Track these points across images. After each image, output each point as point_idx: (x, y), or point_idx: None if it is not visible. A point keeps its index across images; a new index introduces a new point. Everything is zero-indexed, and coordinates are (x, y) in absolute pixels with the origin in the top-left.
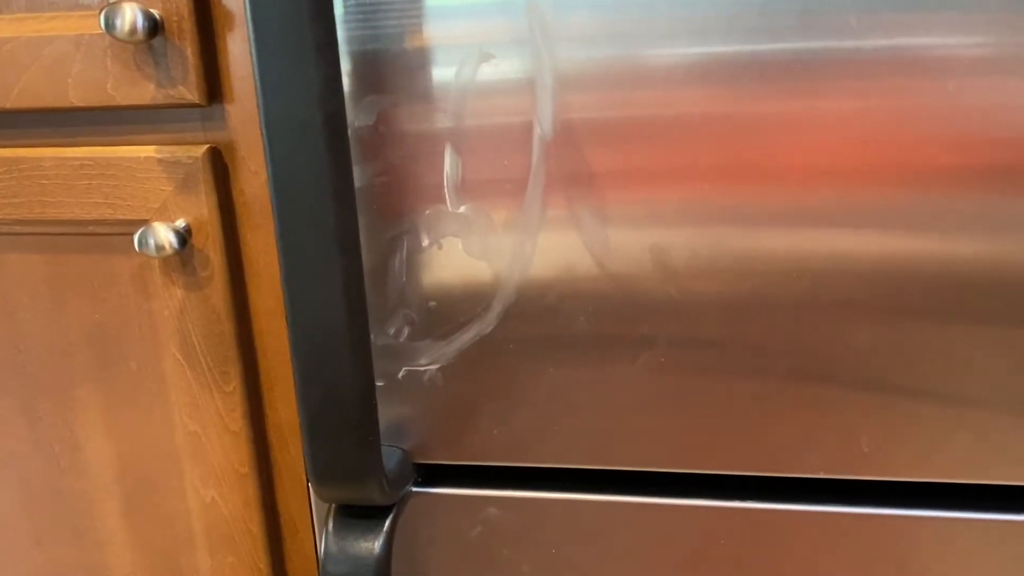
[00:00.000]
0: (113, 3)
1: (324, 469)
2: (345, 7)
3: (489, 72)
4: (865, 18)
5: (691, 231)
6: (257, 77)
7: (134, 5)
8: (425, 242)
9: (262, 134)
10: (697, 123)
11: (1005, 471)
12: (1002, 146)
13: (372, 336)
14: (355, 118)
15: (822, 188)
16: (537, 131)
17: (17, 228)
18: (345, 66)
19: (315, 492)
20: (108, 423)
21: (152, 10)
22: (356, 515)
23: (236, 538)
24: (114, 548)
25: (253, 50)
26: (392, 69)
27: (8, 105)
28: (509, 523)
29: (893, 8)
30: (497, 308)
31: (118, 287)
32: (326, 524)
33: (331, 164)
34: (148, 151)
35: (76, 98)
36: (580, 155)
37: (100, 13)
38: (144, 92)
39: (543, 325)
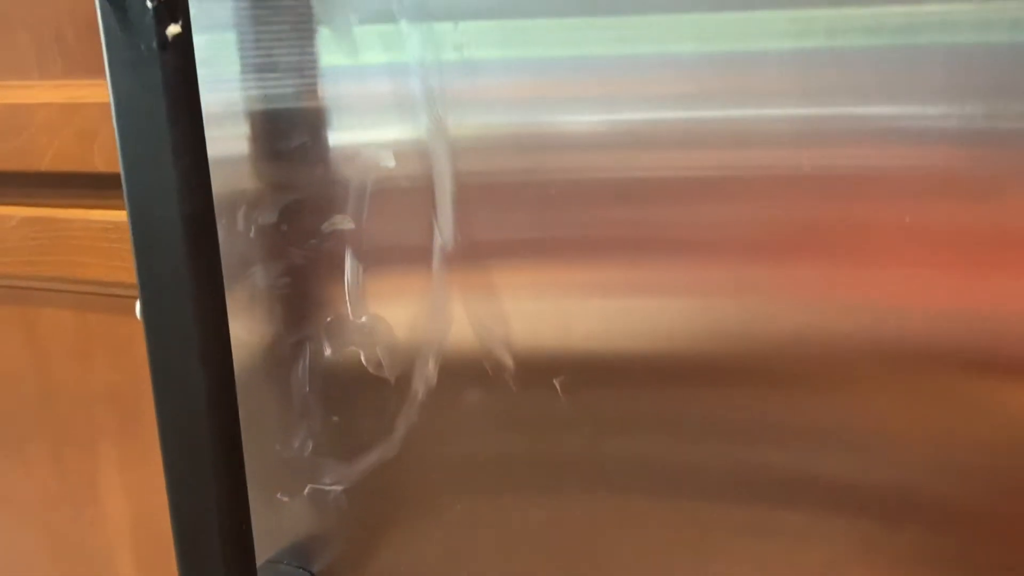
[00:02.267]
0: None
1: None
2: (246, 99)
3: (390, 178)
4: (799, 82)
5: (602, 368)
6: (122, 172)
7: None
8: (327, 351)
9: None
10: (610, 241)
11: None
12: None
13: (277, 447)
14: (258, 215)
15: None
16: (437, 240)
17: (51, 285)
18: (249, 161)
19: None
20: (125, 480)
21: None
22: None
23: None
24: None
25: (119, 144)
26: (295, 167)
27: (43, 167)
28: None
29: (818, 73)
30: (400, 430)
31: (137, 348)
32: None
33: (191, 266)
34: None
35: (100, 163)
36: (483, 269)
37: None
38: None
39: (448, 453)
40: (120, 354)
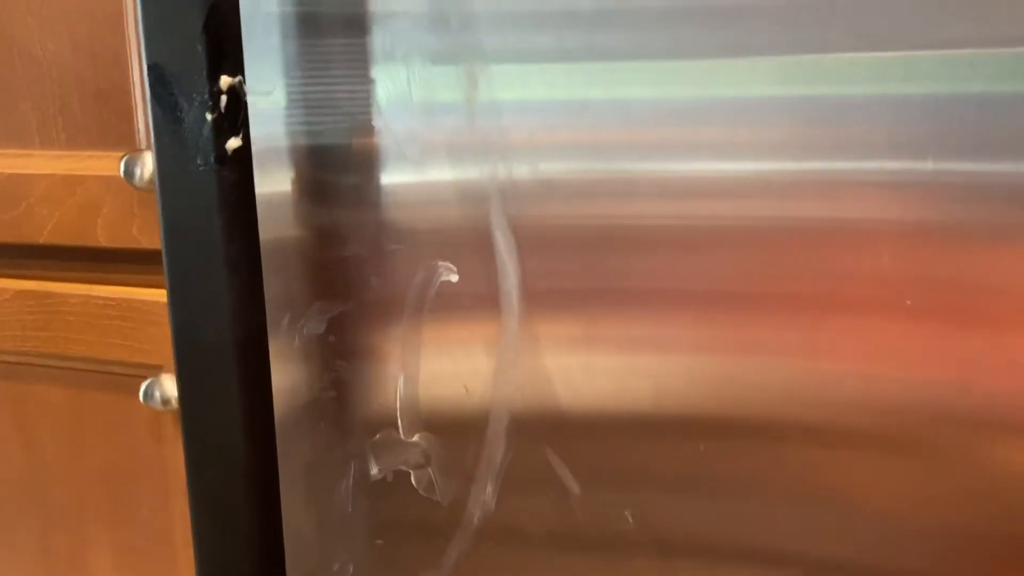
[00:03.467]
0: (135, 151)
1: None
2: (297, 213)
3: (450, 291)
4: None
5: (680, 496)
6: (168, 291)
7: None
8: (374, 470)
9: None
10: (674, 360)
11: None
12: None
13: (314, 568)
14: (305, 324)
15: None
16: (500, 357)
17: (44, 361)
18: (298, 269)
19: None
20: (118, 567)
21: None
22: None
23: None
24: None
25: (166, 262)
26: (345, 276)
27: (41, 240)
28: None
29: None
30: (452, 557)
31: (133, 429)
32: None
33: (241, 390)
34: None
35: (104, 238)
36: (548, 390)
37: (120, 160)
38: None
39: None
40: (114, 435)
